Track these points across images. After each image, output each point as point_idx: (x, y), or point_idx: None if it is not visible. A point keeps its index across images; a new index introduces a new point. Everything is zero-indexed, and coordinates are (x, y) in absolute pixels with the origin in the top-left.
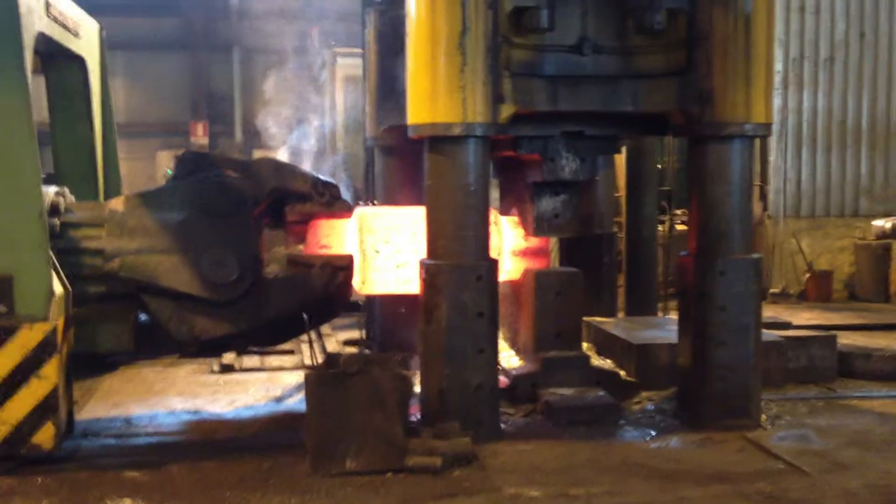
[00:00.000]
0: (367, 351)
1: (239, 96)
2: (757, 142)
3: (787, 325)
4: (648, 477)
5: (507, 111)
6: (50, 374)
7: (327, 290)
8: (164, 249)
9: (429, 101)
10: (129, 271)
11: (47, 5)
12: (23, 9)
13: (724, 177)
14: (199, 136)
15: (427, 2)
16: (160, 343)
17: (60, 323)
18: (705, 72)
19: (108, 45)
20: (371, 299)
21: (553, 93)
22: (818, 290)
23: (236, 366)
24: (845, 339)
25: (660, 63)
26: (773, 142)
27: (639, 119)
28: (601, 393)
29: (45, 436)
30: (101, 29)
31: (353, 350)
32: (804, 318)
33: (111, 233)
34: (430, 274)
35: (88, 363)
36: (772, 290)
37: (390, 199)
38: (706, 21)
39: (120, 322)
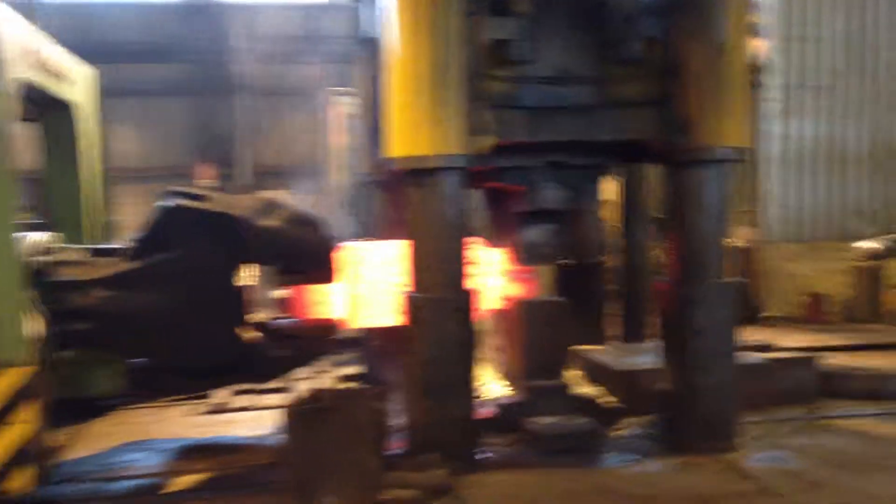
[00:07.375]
0: (357, 385)
1: (243, 138)
2: (754, 168)
3: (769, 348)
4: (619, 501)
5: (487, 142)
6: (30, 417)
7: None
8: None
9: (409, 133)
10: None
11: (35, 53)
12: (7, 55)
13: (700, 202)
14: (206, 179)
15: (408, 35)
16: (154, 387)
17: (41, 367)
18: (681, 100)
19: (120, 93)
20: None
21: (532, 123)
22: (815, 312)
23: (228, 405)
24: (832, 360)
25: (638, 92)
26: (772, 167)
27: (620, 147)
28: (585, 420)
29: (22, 480)
30: (98, 76)
31: (349, 385)
32: (794, 340)
33: None
34: (411, 306)
35: (80, 407)
36: (766, 314)
37: (385, 234)
38: (681, 50)
39: (113, 365)
